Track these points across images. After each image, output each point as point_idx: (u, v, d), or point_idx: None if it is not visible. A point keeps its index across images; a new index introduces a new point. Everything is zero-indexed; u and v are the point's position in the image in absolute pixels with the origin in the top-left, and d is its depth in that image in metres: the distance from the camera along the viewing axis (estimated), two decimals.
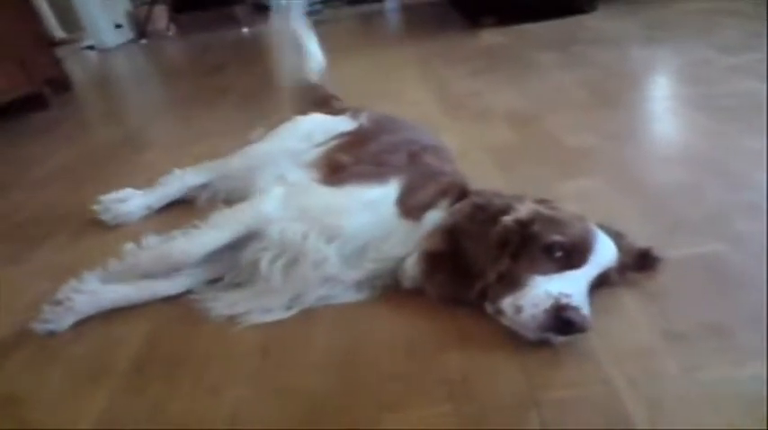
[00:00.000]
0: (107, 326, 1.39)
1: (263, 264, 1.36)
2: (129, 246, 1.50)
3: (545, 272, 1.14)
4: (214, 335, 1.31)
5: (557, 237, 1.16)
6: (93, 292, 1.42)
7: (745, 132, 1.92)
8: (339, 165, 1.56)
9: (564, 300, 1.07)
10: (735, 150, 1.82)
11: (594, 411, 0.96)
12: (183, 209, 1.90)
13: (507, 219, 1.21)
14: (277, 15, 2.35)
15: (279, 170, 1.66)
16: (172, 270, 1.43)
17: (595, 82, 2.76)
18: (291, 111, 2.08)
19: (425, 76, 3.43)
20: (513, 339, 1.13)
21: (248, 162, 1.83)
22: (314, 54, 2.31)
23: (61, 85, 4.45)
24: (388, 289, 1.35)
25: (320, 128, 1.83)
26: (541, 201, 1.30)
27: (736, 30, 3.32)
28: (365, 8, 7.37)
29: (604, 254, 1.18)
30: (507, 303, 1.13)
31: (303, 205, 1.42)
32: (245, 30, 6.84)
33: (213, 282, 1.47)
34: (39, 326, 1.38)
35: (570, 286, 1.11)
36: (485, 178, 1.50)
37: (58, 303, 1.39)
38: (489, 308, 1.18)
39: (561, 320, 1.06)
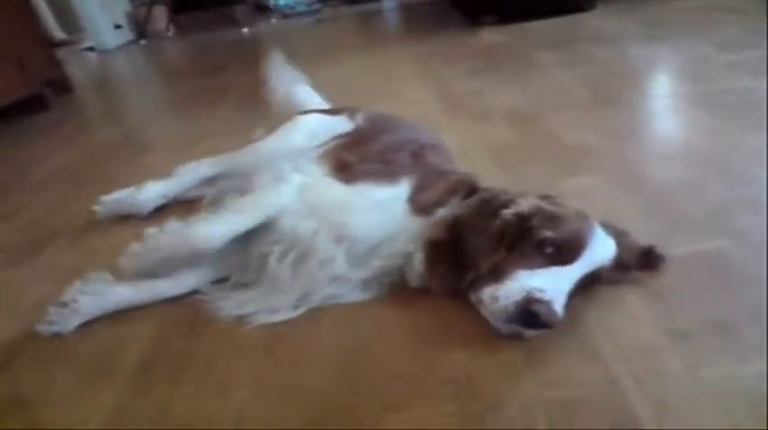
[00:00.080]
0: (113, 327, 1.40)
1: (273, 259, 1.36)
2: (151, 229, 1.47)
3: (532, 266, 1.15)
4: (219, 335, 1.31)
5: (549, 233, 1.16)
6: (98, 294, 1.42)
7: (746, 129, 1.92)
8: (345, 164, 1.57)
9: (535, 294, 1.08)
10: (735, 147, 1.82)
11: (600, 410, 0.96)
12: (188, 207, 1.90)
13: (507, 212, 1.22)
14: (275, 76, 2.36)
15: (283, 168, 1.66)
16: (192, 256, 1.41)
17: (595, 80, 2.76)
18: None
19: (425, 74, 3.43)
20: (519, 339, 1.13)
21: (253, 159, 1.82)
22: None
23: (61, 86, 4.44)
24: (395, 287, 1.35)
25: (322, 127, 1.83)
26: (545, 197, 1.30)
27: (734, 27, 3.31)
28: (364, 7, 7.35)
29: (597, 252, 1.18)
30: (486, 293, 1.15)
31: (316, 201, 1.41)
32: (244, 30, 6.84)
33: (218, 282, 1.47)
34: (44, 328, 1.38)
35: (550, 282, 1.11)
36: (485, 177, 1.50)
37: (64, 305, 1.39)
38: (473, 297, 1.19)
39: (527, 313, 1.08)
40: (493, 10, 4.48)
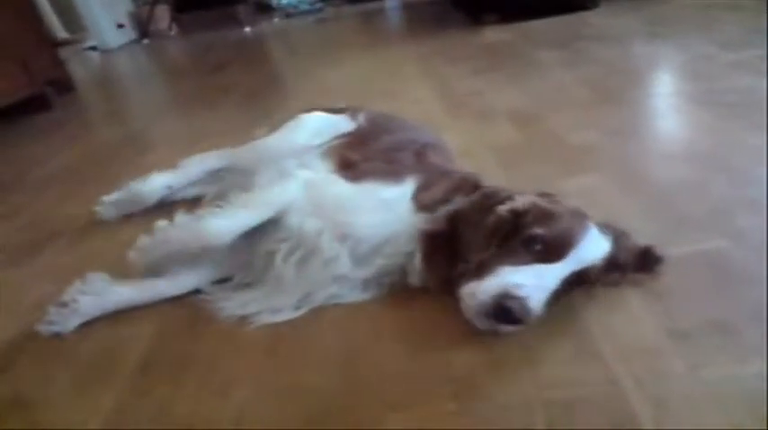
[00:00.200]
0: (113, 327, 1.40)
1: (279, 257, 1.36)
2: (161, 222, 1.44)
3: (519, 263, 1.14)
4: (221, 335, 1.31)
5: (538, 231, 1.16)
6: (98, 294, 1.42)
7: (747, 128, 1.91)
8: (349, 162, 1.56)
9: (511, 290, 1.08)
10: (737, 146, 1.82)
11: (601, 411, 0.96)
12: (190, 207, 1.90)
13: (502, 208, 1.22)
14: None
15: (288, 164, 1.65)
16: (202, 251, 1.39)
17: (598, 79, 2.76)
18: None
19: (427, 74, 3.43)
20: (520, 339, 1.13)
21: (258, 154, 1.81)
22: None
23: (64, 85, 4.46)
24: (395, 287, 1.35)
25: (326, 125, 1.83)
26: (544, 195, 1.30)
27: (736, 25, 3.31)
28: (366, 6, 7.36)
29: (586, 251, 1.16)
30: (468, 288, 1.15)
31: (322, 198, 1.41)
32: (246, 29, 6.85)
33: (219, 282, 1.46)
34: (44, 328, 1.38)
35: (531, 278, 1.11)
36: (488, 176, 1.50)
37: (64, 305, 1.39)
38: (457, 292, 1.19)
39: (501, 308, 1.08)
40: (495, 9, 4.49)
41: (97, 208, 1.95)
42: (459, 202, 1.33)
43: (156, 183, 1.92)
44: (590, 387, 1.01)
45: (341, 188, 1.44)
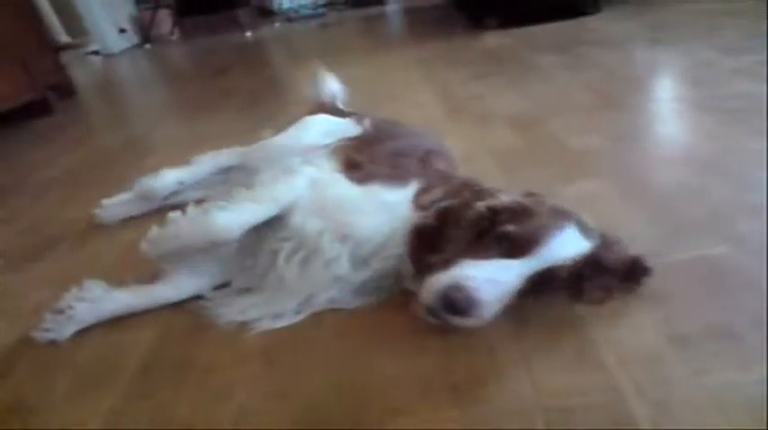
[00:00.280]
0: (111, 333, 1.39)
1: (281, 257, 1.35)
2: (174, 213, 1.41)
3: (483, 257, 1.14)
4: (219, 340, 1.31)
5: (508, 228, 1.15)
6: (95, 300, 1.41)
7: (748, 134, 1.91)
8: (355, 163, 1.56)
9: (459, 282, 1.09)
10: (738, 151, 1.81)
11: (601, 418, 0.96)
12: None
13: (480, 204, 1.22)
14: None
15: (294, 162, 1.65)
16: (210, 246, 1.37)
17: (599, 84, 2.76)
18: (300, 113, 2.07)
19: (429, 78, 3.43)
20: (520, 345, 1.13)
21: (267, 153, 1.81)
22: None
23: (65, 90, 4.47)
24: (394, 291, 1.34)
25: (333, 128, 1.83)
26: (529, 195, 1.29)
27: (738, 30, 3.31)
28: (368, 10, 7.38)
29: (554, 250, 1.14)
30: (427, 280, 1.15)
31: (325, 197, 1.41)
32: (248, 34, 6.86)
33: (218, 288, 1.46)
34: (40, 336, 1.38)
35: (488, 272, 1.11)
36: (488, 181, 1.50)
37: (60, 312, 1.39)
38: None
39: (447, 299, 1.08)
40: (496, 14, 4.49)
41: (97, 211, 1.95)
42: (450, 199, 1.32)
43: (168, 179, 1.93)
44: (591, 393, 1.01)
45: (344, 189, 1.44)
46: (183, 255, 1.42)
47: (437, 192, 1.39)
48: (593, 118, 2.34)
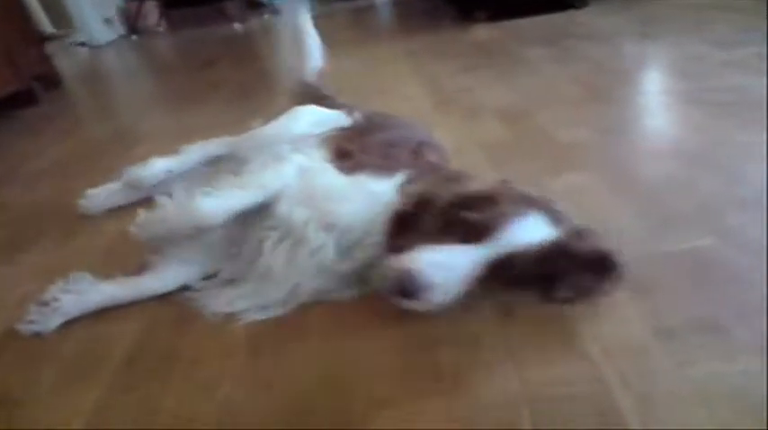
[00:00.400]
0: (97, 325, 1.38)
1: (268, 245, 1.35)
2: (162, 198, 1.41)
3: (442, 243, 1.14)
4: (205, 332, 1.30)
5: (467, 214, 1.15)
6: (80, 292, 1.40)
7: (738, 126, 1.92)
8: (345, 152, 1.56)
9: (408, 265, 1.10)
10: (727, 144, 1.82)
11: (586, 409, 0.96)
12: None
13: (448, 191, 1.23)
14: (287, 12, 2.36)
15: (283, 149, 1.64)
16: (195, 232, 1.36)
17: (587, 77, 2.76)
18: (289, 104, 2.06)
19: (417, 70, 3.42)
20: (506, 338, 1.13)
21: (257, 142, 1.79)
22: (314, 52, 2.28)
23: (51, 81, 4.43)
24: (380, 283, 1.33)
25: (325, 118, 1.82)
26: (502, 182, 1.29)
27: (728, 24, 3.32)
28: (357, 2, 7.35)
29: (512, 237, 1.13)
30: (385, 265, 1.17)
31: (312, 186, 1.40)
32: (236, 26, 6.82)
33: (204, 279, 1.45)
34: (25, 328, 1.36)
35: (440, 257, 1.12)
36: (476, 173, 1.50)
37: (45, 304, 1.38)
38: None
39: (396, 282, 1.11)
40: (485, 6, 4.49)
41: (81, 201, 1.93)
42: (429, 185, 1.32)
43: (157, 167, 1.90)
44: (576, 385, 1.01)
45: (332, 178, 1.44)
46: (171, 241, 1.41)
47: (423, 183, 1.38)
48: (581, 111, 2.34)
